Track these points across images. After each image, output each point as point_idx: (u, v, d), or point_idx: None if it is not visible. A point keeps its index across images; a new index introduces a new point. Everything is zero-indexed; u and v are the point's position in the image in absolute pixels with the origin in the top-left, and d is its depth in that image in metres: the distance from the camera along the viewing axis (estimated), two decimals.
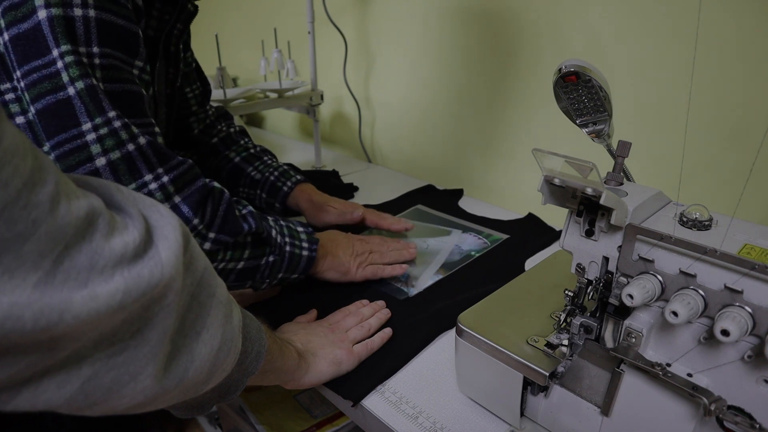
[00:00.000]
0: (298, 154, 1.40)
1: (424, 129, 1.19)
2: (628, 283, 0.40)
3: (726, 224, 0.39)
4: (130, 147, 0.50)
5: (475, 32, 1.00)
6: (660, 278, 0.39)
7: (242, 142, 0.92)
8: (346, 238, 0.77)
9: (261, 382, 0.49)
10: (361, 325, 0.63)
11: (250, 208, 0.62)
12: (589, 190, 0.38)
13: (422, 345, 0.63)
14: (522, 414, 0.50)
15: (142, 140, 0.51)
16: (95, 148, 0.48)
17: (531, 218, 0.97)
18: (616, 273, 0.42)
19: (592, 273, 0.45)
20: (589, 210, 0.43)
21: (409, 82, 1.18)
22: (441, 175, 1.18)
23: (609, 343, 0.46)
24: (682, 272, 0.38)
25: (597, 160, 0.37)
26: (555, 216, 0.94)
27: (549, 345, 0.48)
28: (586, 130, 0.51)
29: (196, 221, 0.55)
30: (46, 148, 0.48)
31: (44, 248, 0.24)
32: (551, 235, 0.90)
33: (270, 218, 0.66)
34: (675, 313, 0.35)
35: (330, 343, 0.58)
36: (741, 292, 0.35)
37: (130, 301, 0.28)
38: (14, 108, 0.48)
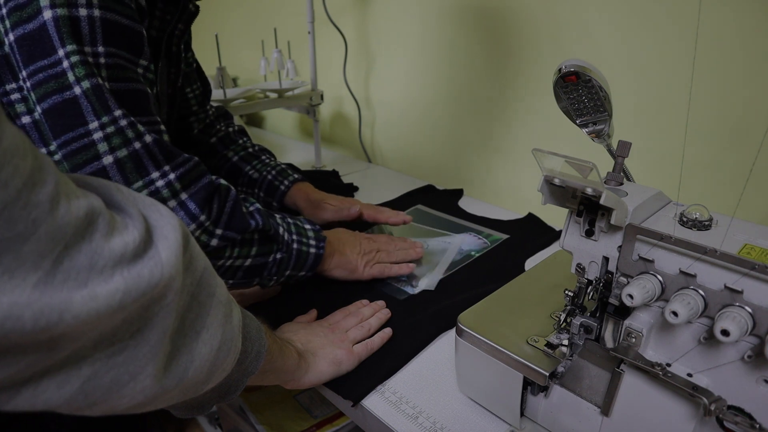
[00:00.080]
0: (298, 154, 1.40)
1: (424, 129, 1.19)
2: (628, 283, 0.40)
3: (726, 224, 0.39)
4: (137, 145, 0.51)
5: (475, 32, 1.00)
6: (660, 278, 0.39)
7: (240, 141, 0.92)
8: (353, 237, 0.77)
9: (261, 382, 0.49)
10: (361, 325, 0.63)
11: (257, 205, 0.63)
12: (589, 190, 0.38)
13: (422, 345, 0.63)
14: (522, 414, 0.50)
15: (148, 138, 0.52)
16: (102, 147, 0.49)
17: (531, 218, 0.97)
18: (616, 273, 0.42)
19: (592, 273, 0.45)
20: (589, 210, 0.43)
21: (409, 82, 1.18)
22: (441, 175, 1.18)
23: (609, 343, 0.46)
24: (682, 272, 0.38)
25: (597, 160, 0.37)
26: (555, 216, 0.94)
27: (549, 345, 0.48)
28: (586, 130, 0.51)
29: (203, 217, 0.55)
30: (53, 147, 0.48)
31: (44, 248, 0.24)
32: (551, 235, 0.90)
33: (278, 216, 0.66)
34: (675, 313, 0.35)
35: (330, 343, 0.58)
36: (741, 292, 0.35)
37: (130, 301, 0.28)
38: (20, 108, 0.49)
